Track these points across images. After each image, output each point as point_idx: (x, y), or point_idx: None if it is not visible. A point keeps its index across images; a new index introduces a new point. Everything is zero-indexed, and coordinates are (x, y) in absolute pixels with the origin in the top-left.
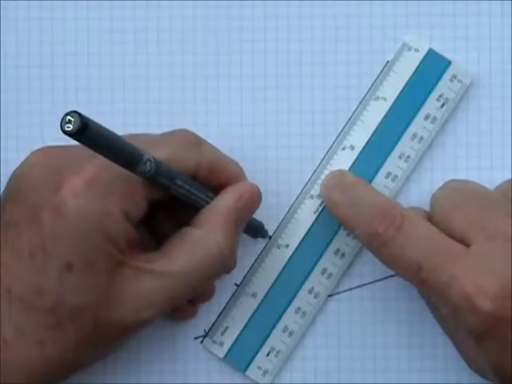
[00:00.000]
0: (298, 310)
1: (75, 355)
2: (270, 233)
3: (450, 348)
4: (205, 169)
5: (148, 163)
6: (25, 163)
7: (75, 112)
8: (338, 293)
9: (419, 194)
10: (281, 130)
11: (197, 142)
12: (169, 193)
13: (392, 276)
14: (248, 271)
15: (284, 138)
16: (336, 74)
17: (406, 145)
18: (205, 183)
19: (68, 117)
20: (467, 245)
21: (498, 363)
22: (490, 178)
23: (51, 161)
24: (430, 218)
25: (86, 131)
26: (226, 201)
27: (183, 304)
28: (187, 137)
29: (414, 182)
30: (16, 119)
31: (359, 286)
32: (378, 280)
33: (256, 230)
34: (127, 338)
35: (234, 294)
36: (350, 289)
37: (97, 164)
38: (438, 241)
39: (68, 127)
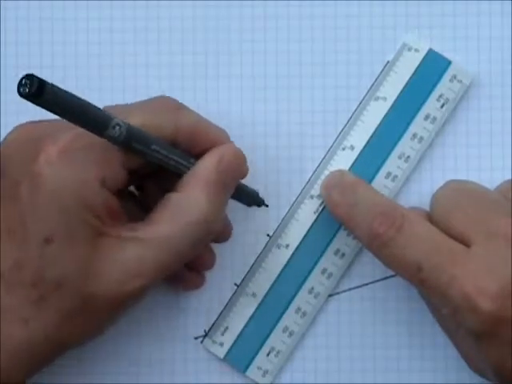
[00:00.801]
0: (298, 310)
1: (60, 331)
2: (270, 233)
3: (450, 348)
4: (184, 134)
5: (117, 128)
6: (4, 142)
7: (32, 75)
8: (338, 293)
9: (419, 194)
10: (281, 130)
11: (175, 107)
12: (148, 160)
13: (392, 276)
14: (248, 271)
15: (284, 138)
16: (336, 74)
17: (406, 145)
18: (186, 149)
19: (24, 79)
20: (467, 245)
21: (498, 363)
22: (490, 179)
23: (30, 135)
24: (430, 218)
25: (42, 93)
26: (206, 163)
27: (187, 273)
28: (164, 102)
29: (414, 182)
30: (16, 120)
31: (359, 286)
32: (378, 280)
33: (249, 198)
34: (116, 314)
35: (233, 294)
36: (350, 289)
37: (73, 133)
38: (438, 241)
39: (24, 89)
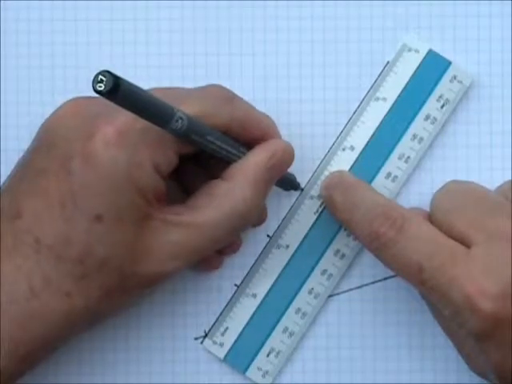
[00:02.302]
0: (298, 310)
1: (99, 306)
2: (270, 233)
3: (450, 349)
4: (237, 124)
5: (180, 121)
6: (56, 113)
7: (107, 71)
8: (338, 293)
9: (419, 195)
10: (281, 130)
11: (229, 97)
12: (200, 148)
13: (392, 277)
14: (248, 272)
15: (284, 139)
16: (336, 75)
17: (406, 145)
18: (237, 138)
19: (100, 76)
20: (468, 246)
21: (498, 364)
22: (490, 179)
23: (83, 110)
24: (430, 218)
25: (118, 90)
26: (257, 157)
27: (210, 255)
28: (220, 92)
29: (414, 182)
30: (16, 120)
31: (359, 287)
32: (378, 281)
33: (288, 183)
34: (151, 290)
35: (234, 295)
36: (350, 289)
37: (129, 114)
38: (438, 242)
39: (100, 86)
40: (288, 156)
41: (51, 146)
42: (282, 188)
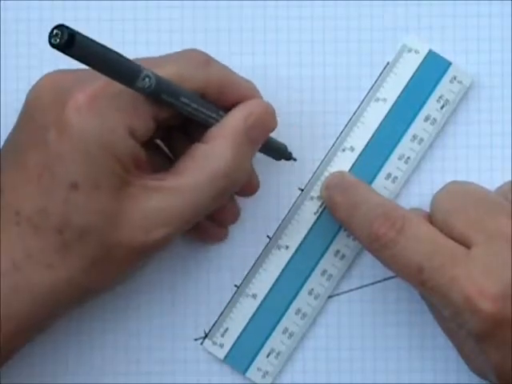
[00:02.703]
0: (298, 311)
1: (84, 278)
2: (270, 234)
3: (450, 349)
4: (214, 87)
5: (147, 79)
6: (34, 87)
7: (63, 25)
8: (338, 294)
9: (419, 196)
10: (281, 131)
11: (205, 60)
12: (176, 111)
13: (392, 277)
14: (248, 272)
15: (284, 139)
16: (336, 76)
17: (406, 146)
18: (216, 102)
19: (55, 30)
20: (468, 246)
21: (498, 365)
22: (490, 180)
23: (60, 82)
24: (430, 219)
25: (73, 44)
26: (234, 117)
27: (211, 226)
28: (195, 55)
29: (414, 183)
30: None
31: (359, 288)
32: (378, 281)
33: (277, 152)
34: (141, 262)
35: (234, 295)
36: (350, 290)
37: (102, 81)
38: (438, 242)
39: (55, 40)
40: (268, 115)
41: (30, 119)
42: (272, 157)
